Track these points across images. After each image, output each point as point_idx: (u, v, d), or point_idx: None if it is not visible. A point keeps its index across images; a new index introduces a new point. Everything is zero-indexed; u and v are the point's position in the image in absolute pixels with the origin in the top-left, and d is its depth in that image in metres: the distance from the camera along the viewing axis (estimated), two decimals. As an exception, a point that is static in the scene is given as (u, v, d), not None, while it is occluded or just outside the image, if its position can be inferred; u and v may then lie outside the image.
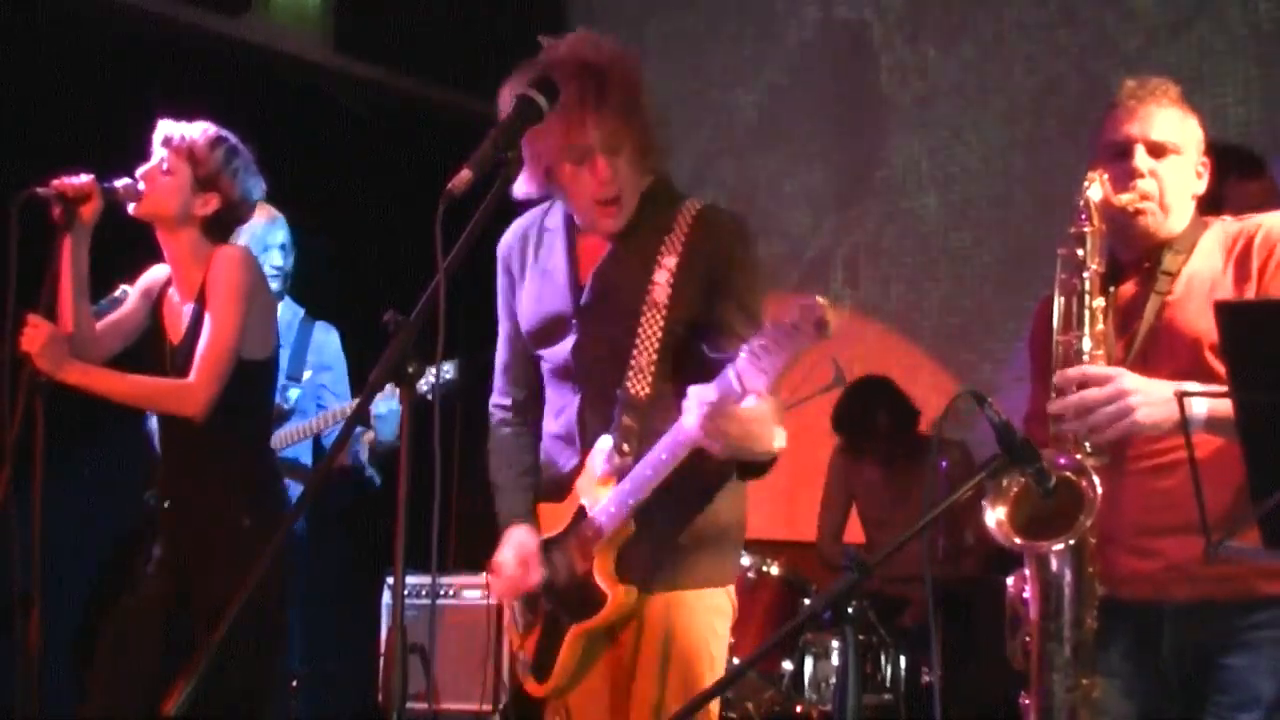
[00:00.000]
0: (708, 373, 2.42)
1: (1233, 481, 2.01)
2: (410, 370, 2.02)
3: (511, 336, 2.76)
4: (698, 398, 2.36)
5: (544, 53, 2.53)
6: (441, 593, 4.70)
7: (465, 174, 2.08)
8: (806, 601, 4.29)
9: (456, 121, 5.62)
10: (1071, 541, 2.27)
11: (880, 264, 5.69)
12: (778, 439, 2.44)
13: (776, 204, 5.87)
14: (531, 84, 2.23)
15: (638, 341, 2.54)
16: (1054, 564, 2.32)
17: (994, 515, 2.27)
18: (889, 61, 5.67)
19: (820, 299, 2.21)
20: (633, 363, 2.54)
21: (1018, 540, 2.28)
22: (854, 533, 5.00)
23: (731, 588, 2.64)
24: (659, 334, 2.54)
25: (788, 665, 4.29)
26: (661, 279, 2.54)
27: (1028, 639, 2.37)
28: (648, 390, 2.53)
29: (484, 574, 4.59)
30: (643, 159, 2.54)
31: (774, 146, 5.94)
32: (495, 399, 2.81)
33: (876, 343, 5.47)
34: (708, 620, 2.57)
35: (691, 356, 2.57)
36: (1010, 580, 2.44)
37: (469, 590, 4.71)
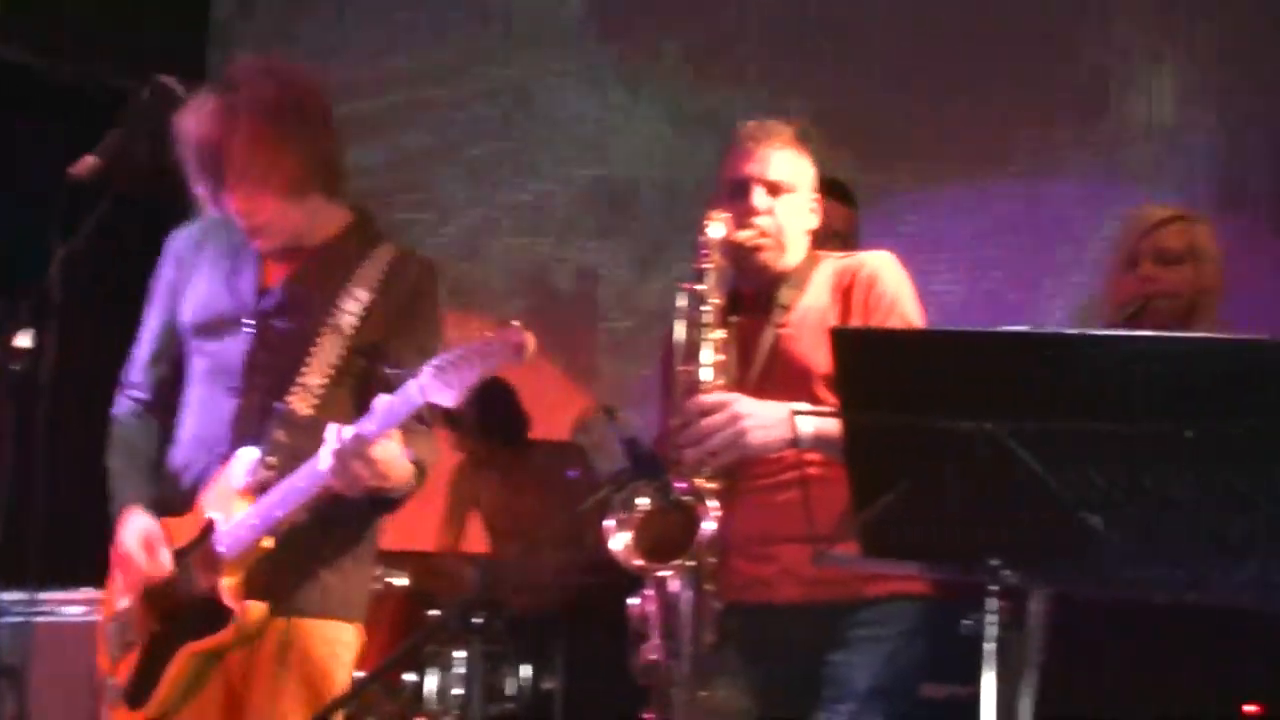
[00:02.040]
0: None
1: (837, 496, 2.18)
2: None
3: (161, 333, 2.63)
4: (334, 437, 2.31)
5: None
6: (37, 610, 4.37)
7: (90, 160, 1.99)
8: (431, 613, 4.28)
9: (95, 102, 5.26)
10: (689, 563, 2.39)
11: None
12: (405, 472, 2.43)
13: (431, 175, 5.79)
14: (174, 77, 2.16)
15: (312, 360, 2.48)
16: (673, 584, 2.42)
17: (619, 540, 2.37)
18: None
19: (519, 324, 2.24)
20: (301, 380, 2.47)
21: (638, 563, 2.39)
22: (477, 542, 5.01)
23: (360, 625, 2.59)
24: (336, 359, 2.49)
25: (410, 677, 4.26)
26: (350, 308, 2.50)
27: (650, 656, 2.47)
28: (310, 410, 2.46)
29: (84, 589, 4.34)
30: (299, 191, 2.47)
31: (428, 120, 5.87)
32: (129, 392, 2.67)
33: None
34: (333, 651, 2.52)
35: (367, 394, 2.50)
36: (633, 600, 2.53)
37: (69, 607, 4.41)
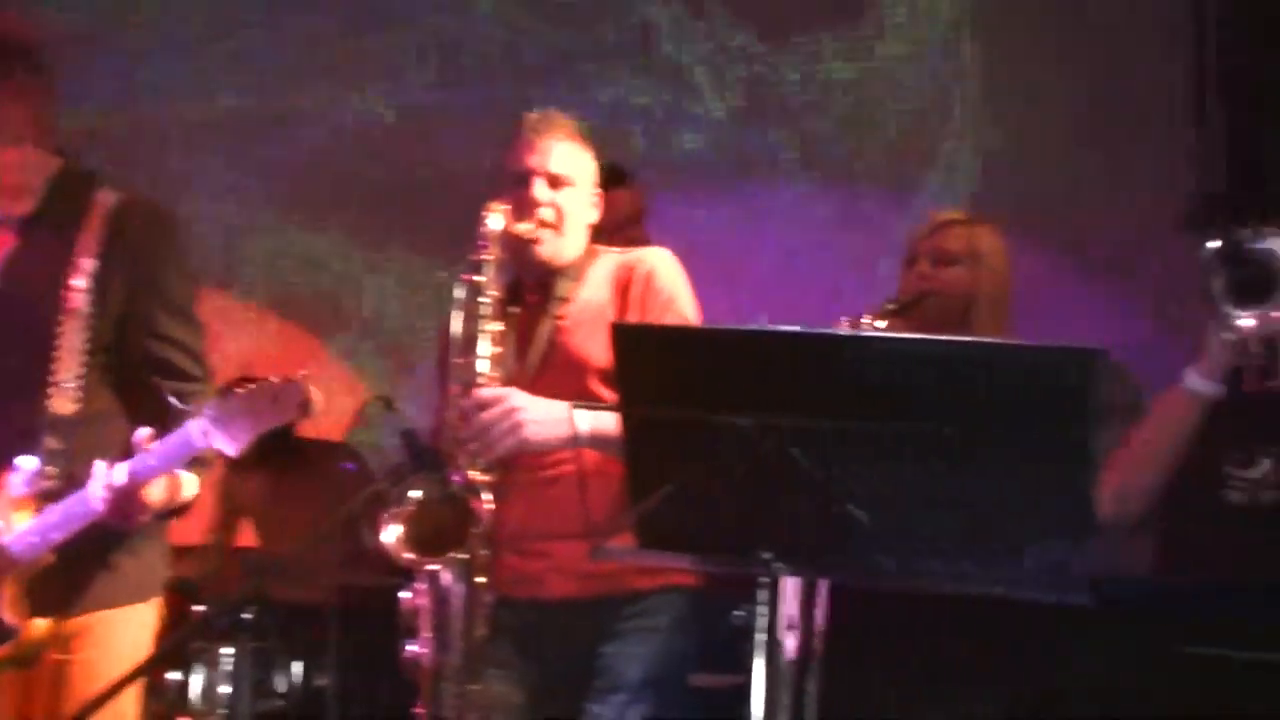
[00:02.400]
0: (143, 385, 2.30)
1: (612, 491, 2.20)
2: None
3: None
4: (104, 479, 2.23)
5: None
6: None
7: None
8: (196, 608, 4.14)
9: None
10: (460, 556, 2.38)
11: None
12: (188, 488, 2.38)
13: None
14: None
15: (59, 354, 2.34)
16: (445, 579, 2.41)
17: (389, 533, 2.34)
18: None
19: (305, 375, 2.19)
20: (54, 378, 2.33)
21: (408, 556, 2.36)
22: (248, 537, 4.88)
23: (159, 599, 2.51)
24: (84, 345, 2.35)
25: (175, 676, 4.12)
26: (80, 284, 2.35)
27: (420, 650, 2.45)
28: (75, 408, 2.34)
29: None
30: (47, 143, 2.37)
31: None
32: None
33: (279, 338, 5.37)
34: (136, 637, 2.44)
35: (126, 368, 2.42)
36: (405, 594, 2.50)
37: None
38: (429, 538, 2.36)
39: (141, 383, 2.42)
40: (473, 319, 2.50)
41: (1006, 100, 4.41)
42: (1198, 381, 2.39)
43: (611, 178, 3.71)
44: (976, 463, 1.79)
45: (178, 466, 2.28)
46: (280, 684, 4.23)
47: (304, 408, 2.19)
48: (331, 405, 4.81)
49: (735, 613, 2.48)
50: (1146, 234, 3.98)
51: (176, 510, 2.42)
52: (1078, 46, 4.28)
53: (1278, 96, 3.78)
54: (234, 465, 4.66)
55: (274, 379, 2.20)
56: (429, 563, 2.39)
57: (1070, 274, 4.14)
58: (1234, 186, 3.62)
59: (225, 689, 4.13)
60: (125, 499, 2.24)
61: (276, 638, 4.18)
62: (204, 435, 2.20)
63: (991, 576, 1.84)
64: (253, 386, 2.20)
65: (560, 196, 2.60)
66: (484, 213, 2.54)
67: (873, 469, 1.83)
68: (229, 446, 2.20)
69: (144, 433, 2.25)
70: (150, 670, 3.87)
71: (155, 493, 2.29)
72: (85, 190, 2.43)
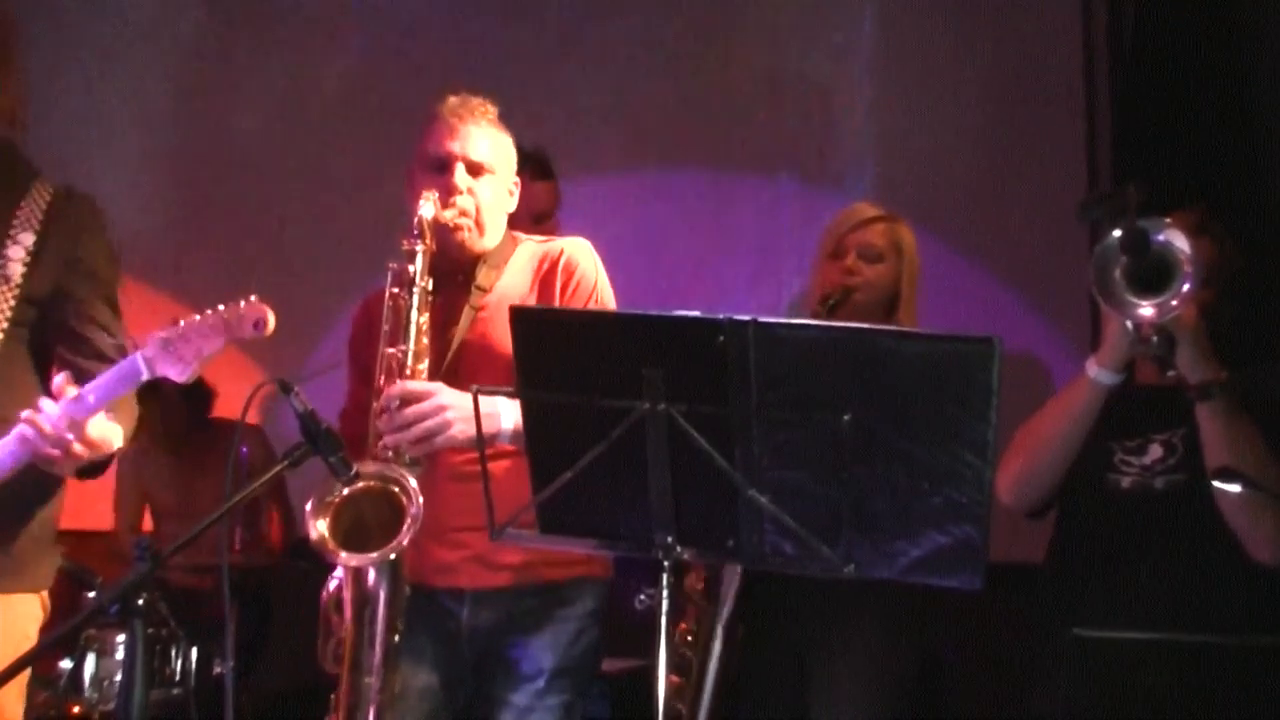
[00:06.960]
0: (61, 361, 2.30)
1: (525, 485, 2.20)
2: None
3: None
4: (35, 421, 2.21)
5: None
6: None
7: None
8: (90, 595, 4.06)
9: None
10: (393, 556, 2.34)
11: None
12: (116, 439, 2.35)
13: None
14: None
15: None
16: (372, 575, 2.37)
17: (316, 527, 2.29)
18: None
19: (258, 298, 2.18)
20: None
21: (343, 555, 2.31)
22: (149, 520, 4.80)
23: (45, 592, 2.46)
24: (7, 310, 2.33)
25: (66, 664, 4.04)
26: (16, 255, 2.34)
27: (340, 643, 2.41)
28: None
29: None
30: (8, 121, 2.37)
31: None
32: None
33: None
34: (22, 627, 2.39)
35: (44, 344, 2.40)
36: (331, 587, 2.47)
37: None
38: (355, 532, 2.31)
39: (60, 358, 2.42)
40: (403, 310, 2.45)
41: (906, 87, 4.44)
42: (1098, 371, 2.44)
43: (537, 171, 3.71)
44: (875, 449, 1.80)
45: (121, 396, 2.27)
46: (177, 671, 4.16)
47: (260, 326, 2.22)
48: (227, 389, 4.77)
49: (639, 597, 2.48)
50: (1042, 226, 4.03)
51: (103, 463, 2.39)
52: (975, 32, 4.32)
53: (1169, 88, 3.87)
54: (138, 442, 4.58)
55: (225, 305, 2.24)
56: (362, 560, 2.32)
57: (963, 264, 4.19)
58: (1125, 178, 3.70)
59: (120, 677, 4.05)
60: (67, 438, 2.22)
61: (173, 624, 4.12)
62: (149, 365, 2.22)
63: (887, 562, 1.85)
64: (202, 314, 2.24)
65: (480, 184, 2.57)
66: (420, 201, 2.50)
67: (773, 455, 1.84)
68: (178, 371, 2.22)
69: (62, 378, 2.26)
70: (36, 660, 3.79)
71: (95, 429, 2.27)
72: (25, 176, 2.43)
